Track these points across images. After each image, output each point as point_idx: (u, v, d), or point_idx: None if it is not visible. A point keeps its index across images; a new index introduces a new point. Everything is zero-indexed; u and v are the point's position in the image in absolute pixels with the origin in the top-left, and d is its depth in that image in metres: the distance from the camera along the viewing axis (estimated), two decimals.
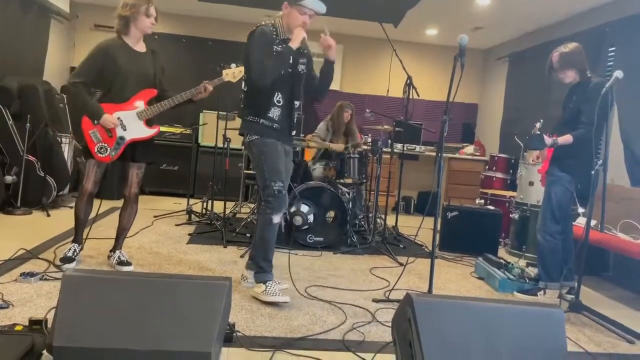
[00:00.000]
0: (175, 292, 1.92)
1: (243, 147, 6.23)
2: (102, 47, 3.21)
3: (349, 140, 5.39)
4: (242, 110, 3.17)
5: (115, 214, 3.60)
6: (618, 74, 3.04)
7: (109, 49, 3.20)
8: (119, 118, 3.22)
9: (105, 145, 3.23)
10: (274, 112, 3.08)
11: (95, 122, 3.20)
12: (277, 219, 3.08)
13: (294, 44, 3.01)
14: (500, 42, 7.30)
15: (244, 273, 3.28)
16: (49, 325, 2.08)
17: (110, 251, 3.48)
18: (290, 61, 3.07)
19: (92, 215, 3.44)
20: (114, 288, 1.91)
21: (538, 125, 3.58)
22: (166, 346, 1.82)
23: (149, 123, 3.32)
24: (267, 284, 3.02)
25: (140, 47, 3.34)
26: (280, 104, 3.10)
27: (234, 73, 3.37)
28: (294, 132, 3.21)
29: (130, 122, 3.25)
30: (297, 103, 3.17)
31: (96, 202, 3.42)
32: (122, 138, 3.24)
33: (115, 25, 3.26)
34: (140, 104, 3.26)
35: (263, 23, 3.09)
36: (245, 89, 3.14)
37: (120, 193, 3.77)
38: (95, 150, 3.23)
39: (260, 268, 3.09)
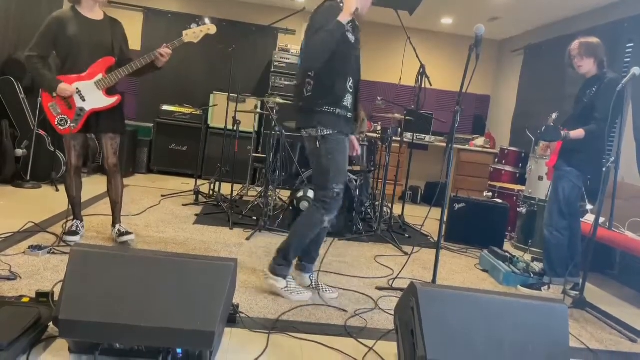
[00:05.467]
0: (181, 271, 1.93)
1: (254, 131, 6.28)
2: (52, 18, 3.17)
3: (357, 128, 5.37)
4: (312, 99, 2.74)
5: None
6: (635, 70, 3.00)
7: (59, 19, 3.15)
8: (77, 89, 3.18)
9: (65, 117, 3.20)
10: (348, 100, 2.79)
11: (53, 94, 3.16)
12: (328, 221, 2.85)
13: (344, 17, 2.59)
14: (516, 34, 7.21)
15: (265, 271, 2.95)
16: (56, 298, 2.11)
17: (112, 226, 3.51)
18: (353, 41, 2.75)
19: (99, 192, 3.46)
20: (121, 264, 1.93)
21: (554, 116, 3.54)
22: (170, 324, 1.84)
23: (110, 92, 3.26)
24: (287, 281, 2.88)
25: (96, 15, 3.26)
26: (351, 90, 2.81)
27: (194, 33, 3.29)
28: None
29: (89, 92, 3.20)
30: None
31: (100, 179, 3.42)
32: (81, 109, 3.20)
33: None
34: (98, 73, 3.21)
35: None
36: (316, 74, 2.74)
37: (128, 170, 3.77)
38: (56, 123, 3.21)
39: (286, 261, 2.87)
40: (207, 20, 3.32)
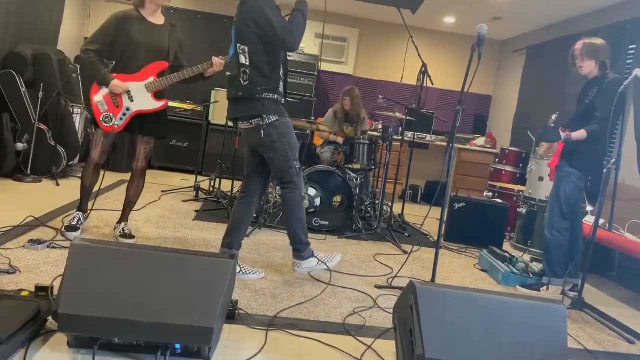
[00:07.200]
0: (180, 267, 1.94)
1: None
2: (116, 16, 3.20)
3: (358, 126, 5.37)
4: (251, 88, 2.82)
5: (124, 187, 3.63)
6: (637, 72, 2.99)
7: (123, 18, 3.19)
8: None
9: (111, 114, 3.22)
10: (282, 86, 2.93)
11: (104, 88, 3.19)
12: (305, 193, 3.08)
13: None
14: (519, 34, 7.20)
15: (294, 261, 3.16)
16: (55, 292, 2.11)
17: (117, 223, 3.51)
18: None
19: (101, 187, 3.47)
20: (120, 259, 1.93)
21: (554, 117, 3.54)
22: (169, 319, 1.84)
23: (158, 96, 3.30)
24: (316, 256, 3.14)
25: (157, 20, 3.31)
26: (283, 77, 2.94)
27: None
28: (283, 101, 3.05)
29: (138, 94, 3.23)
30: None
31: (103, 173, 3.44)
32: (128, 109, 3.23)
33: None
34: (150, 76, 3.24)
35: None
36: (252, 63, 2.81)
37: (130, 166, 3.78)
38: (101, 119, 3.22)
39: (304, 244, 3.10)
40: None
